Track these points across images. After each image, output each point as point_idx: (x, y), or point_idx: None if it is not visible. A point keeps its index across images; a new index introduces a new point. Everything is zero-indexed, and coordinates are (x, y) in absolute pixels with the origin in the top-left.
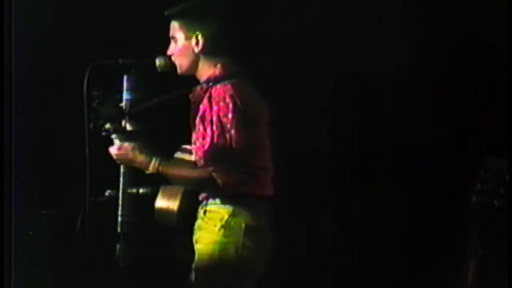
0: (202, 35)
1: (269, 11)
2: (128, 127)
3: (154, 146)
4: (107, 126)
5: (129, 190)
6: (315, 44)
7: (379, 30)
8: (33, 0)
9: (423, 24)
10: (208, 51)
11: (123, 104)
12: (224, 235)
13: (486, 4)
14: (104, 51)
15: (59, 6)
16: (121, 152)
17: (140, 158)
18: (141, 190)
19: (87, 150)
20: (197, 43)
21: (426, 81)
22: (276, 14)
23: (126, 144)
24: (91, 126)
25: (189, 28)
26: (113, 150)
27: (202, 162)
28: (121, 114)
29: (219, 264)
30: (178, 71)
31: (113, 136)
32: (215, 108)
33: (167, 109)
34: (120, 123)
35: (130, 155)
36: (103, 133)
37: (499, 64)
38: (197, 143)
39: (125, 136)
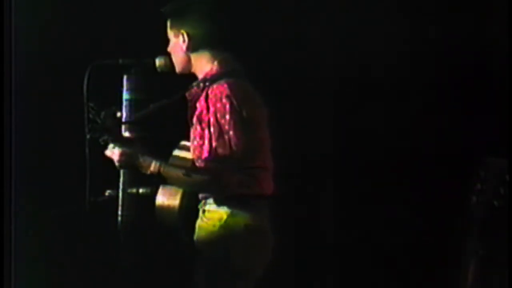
0: (187, 33)
1: (259, 8)
2: (127, 135)
3: (154, 151)
4: (105, 137)
5: (129, 190)
6: (313, 41)
7: (379, 29)
8: (33, 0)
9: (423, 24)
10: (195, 49)
11: (119, 114)
12: (223, 236)
13: (486, 4)
14: (104, 51)
15: (59, 6)
16: (121, 158)
17: (141, 161)
18: (141, 190)
19: (87, 150)
20: (183, 41)
21: (426, 81)
22: (265, 10)
23: (125, 149)
24: (88, 137)
25: (177, 26)
26: (115, 155)
27: (199, 161)
28: (118, 124)
29: (218, 264)
30: (176, 69)
31: (112, 145)
32: (212, 109)
33: (165, 110)
34: (118, 132)
35: (130, 160)
36: (102, 143)
37: (499, 64)
38: (195, 142)
39: (124, 143)
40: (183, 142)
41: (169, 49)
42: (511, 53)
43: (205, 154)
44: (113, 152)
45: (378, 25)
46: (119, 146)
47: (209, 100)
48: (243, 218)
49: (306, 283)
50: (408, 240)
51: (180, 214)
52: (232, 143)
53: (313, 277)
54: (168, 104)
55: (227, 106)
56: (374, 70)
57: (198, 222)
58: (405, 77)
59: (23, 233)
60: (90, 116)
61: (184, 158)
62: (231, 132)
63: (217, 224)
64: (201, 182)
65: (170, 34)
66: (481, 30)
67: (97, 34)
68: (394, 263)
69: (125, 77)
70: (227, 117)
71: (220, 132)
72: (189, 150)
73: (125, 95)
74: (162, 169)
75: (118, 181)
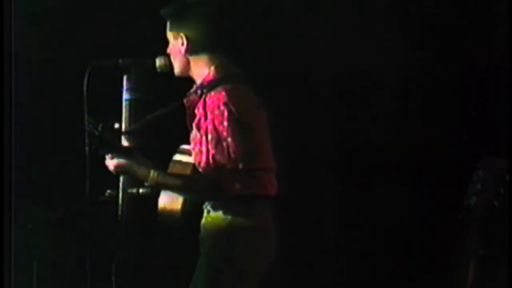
0: (186, 36)
1: (259, 11)
2: (125, 144)
3: (153, 159)
4: (104, 150)
5: (129, 190)
6: (313, 43)
7: (379, 29)
8: (33, 0)
9: (423, 24)
10: (194, 52)
11: (117, 125)
12: (227, 236)
13: (486, 4)
14: (104, 51)
15: (59, 6)
16: (119, 168)
17: (139, 172)
18: (141, 190)
19: (87, 150)
20: (182, 44)
21: (426, 81)
22: (265, 14)
23: (123, 160)
24: (87, 149)
25: (176, 28)
26: (110, 165)
27: (200, 167)
28: (116, 136)
29: (222, 264)
30: (174, 71)
31: (110, 155)
32: (210, 116)
33: (163, 116)
34: (116, 145)
35: (129, 170)
36: (101, 154)
37: (499, 64)
38: (196, 148)
39: (122, 153)
40: (183, 146)
41: (168, 50)
42: (511, 53)
43: (204, 161)
44: (110, 163)
45: (378, 27)
46: (118, 156)
47: (207, 108)
48: (246, 218)
49: (310, 284)
50: (409, 240)
51: (183, 217)
52: (231, 150)
53: (316, 277)
54: (165, 113)
55: (225, 113)
56: (374, 71)
57: (203, 222)
58: (405, 78)
59: (23, 232)
60: (88, 129)
61: (185, 163)
62: (229, 139)
63: (221, 224)
64: (201, 190)
65: (170, 35)
66: (481, 30)
67: (97, 34)
68: (395, 263)
69: (125, 77)
70: (225, 124)
71: (218, 139)
72: (190, 154)
73: (125, 95)
74: (160, 180)
75: (118, 181)
